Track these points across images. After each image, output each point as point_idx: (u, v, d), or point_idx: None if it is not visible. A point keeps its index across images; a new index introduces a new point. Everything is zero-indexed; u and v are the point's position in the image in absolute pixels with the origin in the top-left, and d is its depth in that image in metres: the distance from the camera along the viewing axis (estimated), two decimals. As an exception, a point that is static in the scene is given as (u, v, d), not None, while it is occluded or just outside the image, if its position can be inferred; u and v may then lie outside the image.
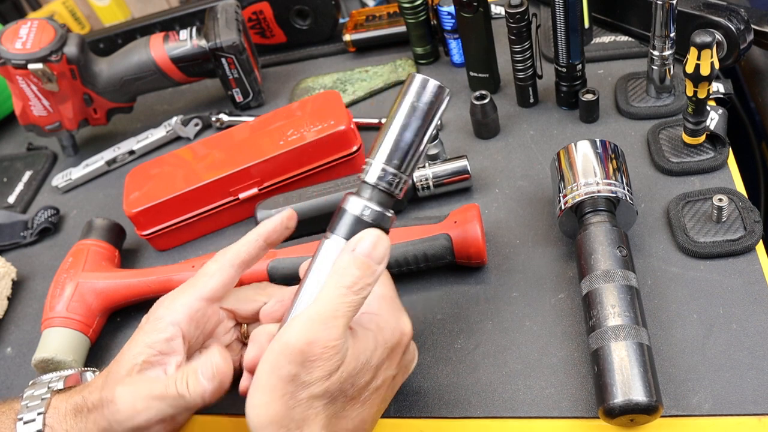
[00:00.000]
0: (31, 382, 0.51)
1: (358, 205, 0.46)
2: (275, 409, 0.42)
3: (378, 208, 0.46)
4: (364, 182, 0.47)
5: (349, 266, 0.44)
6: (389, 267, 0.61)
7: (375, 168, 0.47)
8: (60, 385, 0.50)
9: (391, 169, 0.47)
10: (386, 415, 0.54)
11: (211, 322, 0.52)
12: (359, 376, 0.44)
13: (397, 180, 0.47)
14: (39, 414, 0.47)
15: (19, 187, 0.91)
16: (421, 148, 0.47)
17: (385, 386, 0.47)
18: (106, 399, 0.46)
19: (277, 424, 0.42)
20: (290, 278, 0.63)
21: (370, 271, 0.45)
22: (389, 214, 0.47)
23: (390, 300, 0.49)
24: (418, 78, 0.46)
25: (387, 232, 0.47)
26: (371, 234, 0.45)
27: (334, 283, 0.44)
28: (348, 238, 0.46)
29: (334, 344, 0.42)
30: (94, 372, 0.54)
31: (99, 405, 0.46)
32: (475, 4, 0.72)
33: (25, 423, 0.47)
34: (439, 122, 0.78)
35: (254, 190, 0.73)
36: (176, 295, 0.50)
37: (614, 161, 0.59)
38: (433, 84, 0.46)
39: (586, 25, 0.78)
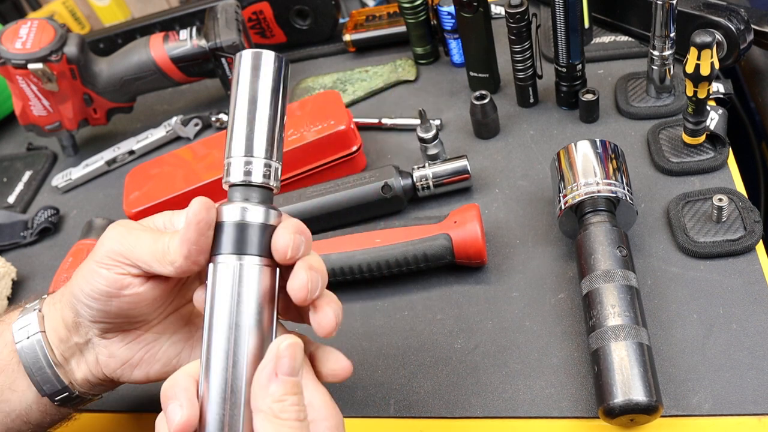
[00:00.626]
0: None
1: (234, 211, 0.39)
2: None
3: (260, 206, 0.40)
4: (232, 185, 0.40)
5: (285, 395, 0.37)
6: (389, 267, 0.61)
7: (237, 164, 0.40)
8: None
9: (254, 160, 0.40)
10: (386, 415, 0.55)
11: None
12: None
13: (267, 169, 0.40)
14: (35, 311, 0.49)
15: (19, 187, 0.91)
16: (279, 126, 0.41)
17: None
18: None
19: None
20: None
21: (298, 387, 0.38)
22: (275, 212, 0.40)
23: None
24: (248, 54, 0.40)
25: (273, 230, 0.40)
26: (288, 346, 0.38)
27: (275, 425, 0.37)
28: (238, 251, 0.39)
29: None
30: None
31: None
32: (475, 4, 0.72)
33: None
34: (438, 122, 0.78)
35: (254, 190, 0.73)
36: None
37: (614, 161, 0.59)
38: (268, 56, 0.40)
39: (586, 25, 0.78)
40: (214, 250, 0.40)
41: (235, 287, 0.39)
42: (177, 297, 0.49)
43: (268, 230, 0.40)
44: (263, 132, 0.40)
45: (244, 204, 0.39)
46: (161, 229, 0.46)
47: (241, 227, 0.39)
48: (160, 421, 0.39)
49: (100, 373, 0.48)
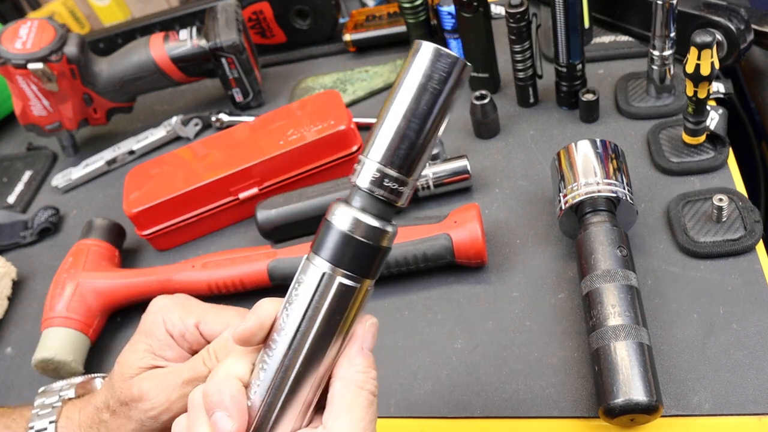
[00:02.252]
0: (41, 390, 0.50)
1: (346, 218, 0.35)
2: None
3: (374, 222, 0.35)
4: (356, 186, 0.35)
5: (368, 368, 0.38)
6: (389, 268, 0.61)
7: (369, 168, 0.35)
8: (71, 394, 0.49)
9: (391, 171, 0.34)
10: (386, 414, 0.55)
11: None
12: None
13: (399, 185, 0.35)
14: (51, 423, 0.46)
15: (19, 187, 0.91)
16: (433, 141, 0.35)
17: None
18: (129, 398, 0.43)
19: None
20: (290, 278, 0.63)
21: (375, 365, 0.39)
22: (390, 229, 0.36)
23: None
24: (428, 48, 0.33)
25: (388, 251, 0.37)
26: (372, 324, 0.39)
27: (358, 396, 0.38)
28: (335, 263, 0.35)
29: None
30: (103, 378, 0.53)
31: (122, 407, 0.44)
32: (475, 4, 0.72)
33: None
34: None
35: (254, 190, 0.73)
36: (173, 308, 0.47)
37: (614, 161, 0.59)
38: (447, 55, 0.33)
39: (586, 25, 0.78)
40: (316, 245, 0.36)
41: (315, 295, 0.36)
42: None
43: (372, 250, 0.36)
44: (413, 145, 0.34)
45: (359, 214, 0.35)
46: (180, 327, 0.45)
47: (346, 239, 0.35)
48: (190, 424, 0.38)
49: None
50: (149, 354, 0.45)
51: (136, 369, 0.45)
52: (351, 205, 0.36)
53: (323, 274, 0.36)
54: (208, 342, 0.45)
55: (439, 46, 0.33)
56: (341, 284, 0.36)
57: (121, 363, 0.46)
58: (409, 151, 0.34)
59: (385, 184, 0.35)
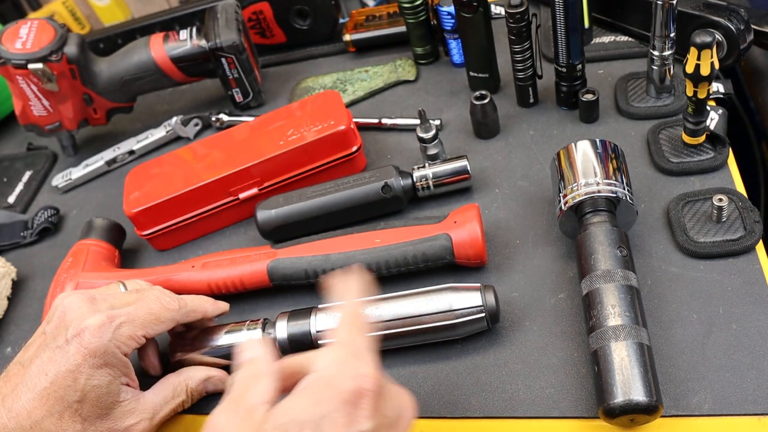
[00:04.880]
0: None
1: None
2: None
3: None
4: None
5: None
6: (389, 267, 0.61)
7: None
8: None
9: None
10: (386, 415, 0.54)
11: None
12: None
13: None
14: None
15: (19, 187, 0.91)
16: None
17: None
18: None
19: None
20: (290, 278, 0.63)
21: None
22: None
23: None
24: None
25: None
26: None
27: None
28: None
29: None
30: None
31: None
32: (475, 4, 0.72)
33: None
34: (438, 122, 0.78)
35: (254, 190, 0.73)
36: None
37: (614, 161, 0.59)
38: None
39: (586, 25, 0.78)
40: None
41: None
42: None
43: None
44: None
45: None
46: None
47: None
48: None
49: None
50: (117, 382, 0.51)
51: (115, 402, 0.51)
52: None
53: None
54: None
55: None
56: None
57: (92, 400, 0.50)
58: None
59: None
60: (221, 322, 0.61)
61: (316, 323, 0.57)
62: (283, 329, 0.58)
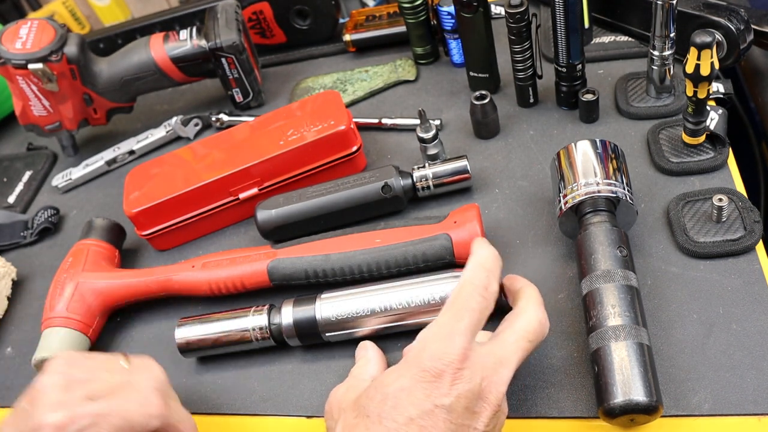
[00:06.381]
0: None
1: None
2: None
3: None
4: None
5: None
6: (389, 267, 0.61)
7: None
8: None
9: None
10: (386, 415, 0.55)
11: None
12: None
13: None
14: None
15: (19, 187, 0.91)
16: None
17: None
18: None
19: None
20: (290, 278, 0.63)
21: None
22: None
23: None
24: None
25: None
26: None
27: None
28: None
29: None
30: None
31: None
32: (475, 4, 0.72)
33: None
34: (438, 122, 0.78)
35: (254, 190, 0.73)
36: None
37: (614, 161, 0.59)
38: None
39: (586, 25, 0.78)
40: None
41: None
42: None
43: None
44: None
45: None
46: None
47: None
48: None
49: None
50: None
51: None
52: None
53: None
54: None
55: None
56: None
57: None
58: None
59: None
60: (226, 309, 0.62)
61: (321, 309, 0.58)
62: (288, 314, 0.59)
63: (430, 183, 0.68)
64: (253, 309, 0.61)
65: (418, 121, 0.73)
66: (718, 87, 0.70)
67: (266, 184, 0.73)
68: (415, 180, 0.68)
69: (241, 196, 0.73)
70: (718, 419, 0.49)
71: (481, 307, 0.45)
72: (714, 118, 0.64)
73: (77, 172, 0.88)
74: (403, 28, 0.89)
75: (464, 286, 0.46)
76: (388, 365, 0.52)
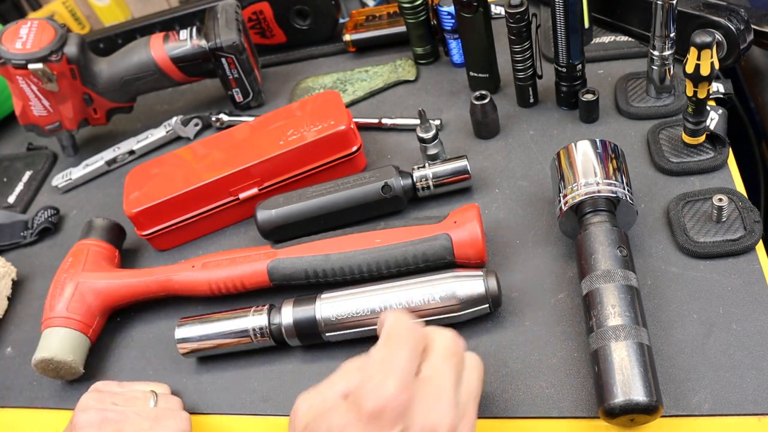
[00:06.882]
0: None
1: None
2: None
3: None
4: None
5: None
6: (389, 267, 0.61)
7: None
8: None
9: None
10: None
11: None
12: None
13: None
14: None
15: (19, 187, 0.91)
16: None
17: None
18: None
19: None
20: (290, 278, 0.63)
21: None
22: None
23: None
24: None
25: None
26: None
27: None
28: None
29: None
30: None
31: None
32: (475, 4, 0.72)
33: None
34: (438, 122, 0.78)
35: (254, 190, 0.73)
36: None
37: (614, 161, 0.59)
38: None
39: (586, 25, 0.78)
40: None
41: None
42: None
43: None
44: None
45: None
46: None
47: None
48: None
49: None
50: None
51: None
52: None
53: None
54: None
55: None
56: None
57: None
58: None
59: None
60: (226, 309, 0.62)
61: (321, 309, 0.58)
62: (288, 314, 0.59)
63: (430, 183, 0.68)
64: (253, 309, 0.61)
65: (418, 121, 0.73)
66: (718, 87, 0.70)
67: (266, 184, 0.73)
68: (415, 180, 0.68)
69: (241, 196, 0.73)
70: (718, 419, 0.49)
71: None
72: (714, 118, 0.64)
73: (77, 172, 0.88)
74: (403, 28, 0.89)
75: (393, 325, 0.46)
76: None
